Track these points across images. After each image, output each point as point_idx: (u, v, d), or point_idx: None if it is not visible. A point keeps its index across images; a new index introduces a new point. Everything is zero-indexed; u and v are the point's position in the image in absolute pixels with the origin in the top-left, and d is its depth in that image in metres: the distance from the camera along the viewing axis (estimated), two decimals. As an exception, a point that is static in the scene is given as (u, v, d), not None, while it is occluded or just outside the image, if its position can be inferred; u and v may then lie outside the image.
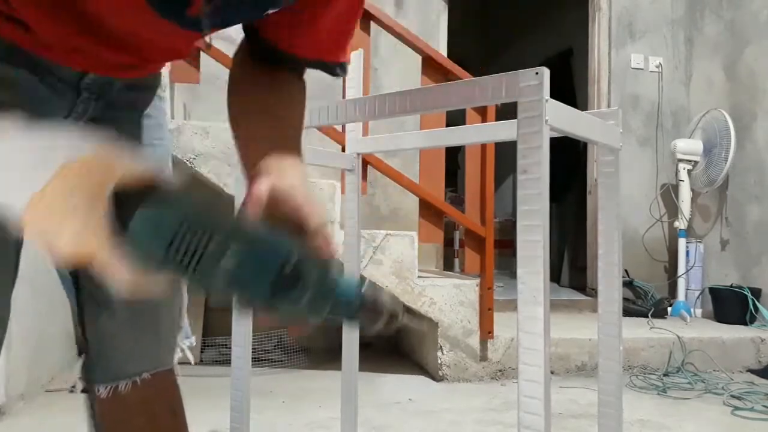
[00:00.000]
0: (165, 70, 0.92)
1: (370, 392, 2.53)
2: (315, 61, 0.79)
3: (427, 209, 2.75)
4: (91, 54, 0.70)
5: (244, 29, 0.79)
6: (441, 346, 2.75)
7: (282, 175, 0.62)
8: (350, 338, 1.46)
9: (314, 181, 2.69)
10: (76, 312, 0.89)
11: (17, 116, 0.51)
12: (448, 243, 4.68)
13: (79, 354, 0.97)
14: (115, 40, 0.70)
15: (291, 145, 0.70)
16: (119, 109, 0.81)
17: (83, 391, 0.93)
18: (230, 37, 0.77)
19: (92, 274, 0.72)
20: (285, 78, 0.79)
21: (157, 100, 0.87)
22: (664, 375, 2.84)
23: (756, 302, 3.40)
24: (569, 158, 4.95)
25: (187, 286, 0.55)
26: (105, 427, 0.92)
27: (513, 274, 4.28)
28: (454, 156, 5.51)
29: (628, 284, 3.93)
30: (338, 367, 1.50)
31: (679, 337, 3.00)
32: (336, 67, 0.81)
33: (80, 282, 0.87)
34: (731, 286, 3.57)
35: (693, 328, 3.28)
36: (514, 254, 5.82)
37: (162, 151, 0.89)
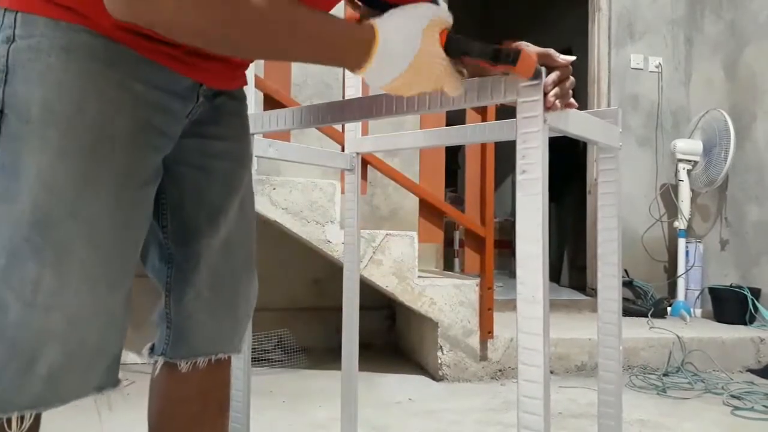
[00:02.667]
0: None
1: (370, 392, 2.53)
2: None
3: (427, 209, 2.75)
4: (218, 62, 0.89)
5: None
6: (441, 346, 2.75)
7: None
8: (350, 338, 1.47)
9: (314, 181, 2.69)
10: (164, 289, 0.98)
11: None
12: (448, 243, 4.68)
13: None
14: None
15: None
16: (223, 113, 0.96)
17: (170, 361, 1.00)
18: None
19: (186, 254, 0.94)
20: None
21: (243, 106, 1.03)
22: (664, 375, 2.84)
23: (755, 302, 3.40)
24: (569, 158, 4.95)
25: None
26: (162, 408, 1.01)
27: (512, 274, 4.28)
28: (454, 156, 5.51)
29: (628, 284, 3.93)
30: (338, 367, 1.50)
31: (678, 337, 3.00)
32: None
33: (174, 261, 0.96)
34: (731, 286, 3.57)
35: (693, 328, 3.28)
36: (513, 254, 5.82)
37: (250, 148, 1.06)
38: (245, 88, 1.03)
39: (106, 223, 0.77)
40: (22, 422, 0.73)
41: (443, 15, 0.82)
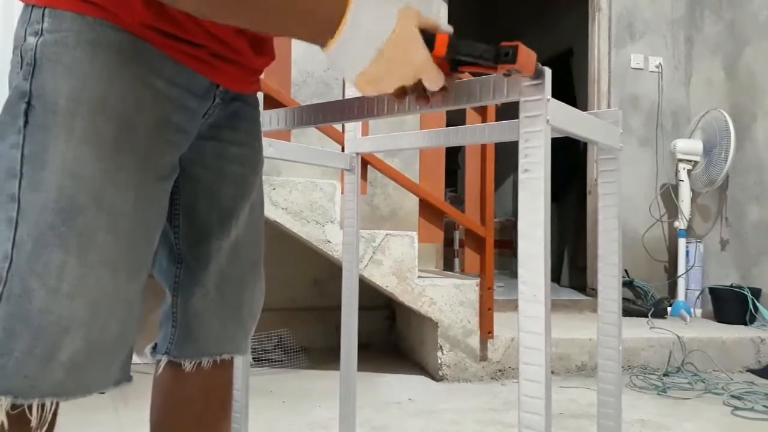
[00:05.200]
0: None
1: (369, 392, 2.53)
2: None
3: (427, 209, 2.75)
4: (236, 66, 0.91)
5: None
6: (441, 346, 2.74)
7: None
8: (349, 338, 1.46)
9: (314, 181, 2.69)
10: (171, 289, 0.99)
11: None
12: (448, 243, 4.68)
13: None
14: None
15: None
16: (240, 119, 0.98)
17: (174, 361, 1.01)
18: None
19: (197, 254, 0.96)
20: None
21: (257, 113, 1.05)
22: (664, 375, 2.84)
23: (756, 302, 3.40)
24: (569, 158, 4.95)
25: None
26: (164, 407, 1.02)
27: (513, 274, 4.27)
28: (454, 156, 5.51)
29: (628, 284, 3.93)
30: (338, 367, 1.50)
31: (679, 337, 3.00)
32: None
33: (184, 261, 0.97)
34: (731, 286, 3.57)
35: (693, 328, 3.28)
36: (514, 254, 5.82)
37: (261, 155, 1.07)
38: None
39: (127, 212, 0.79)
40: (42, 411, 0.74)
41: (426, 8, 0.81)
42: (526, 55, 0.76)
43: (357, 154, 1.48)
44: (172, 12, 0.79)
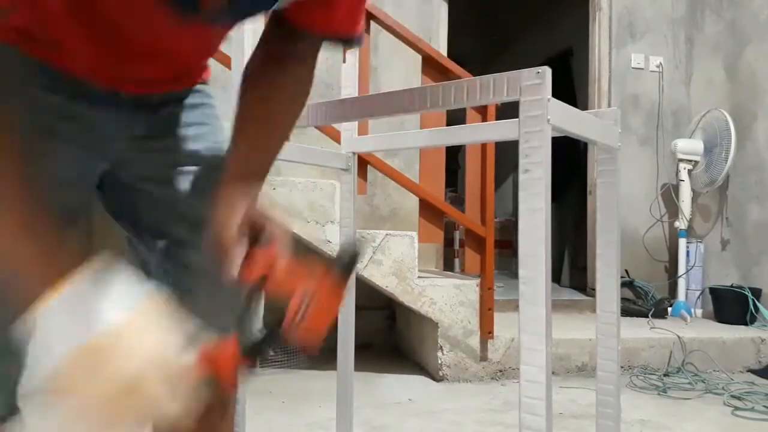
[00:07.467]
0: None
1: (369, 392, 2.53)
2: (333, 36, 0.85)
3: (427, 209, 2.74)
4: (121, 72, 0.81)
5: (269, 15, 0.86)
6: (441, 346, 2.74)
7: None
8: (346, 338, 1.46)
9: (314, 181, 2.68)
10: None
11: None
12: (448, 243, 4.67)
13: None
14: (139, 54, 0.79)
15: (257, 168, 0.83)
16: (167, 122, 0.90)
17: None
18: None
19: (178, 265, 0.92)
20: (295, 65, 0.85)
21: (207, 108, 0.96)
22: (665, 375, 2.84)
23: (756, 302, 3.39)
24: (569, 158, 4.94)
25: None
26: None
27: (513, 274, 4.23)
28: (454, 156, 5.50)
29: (629, 284, 3.93)
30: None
31: (679, 337, 3.00)
32: (353, 41, 0.86)
33: (170, 273, 0.93)
34: (731, 286, 3.56)
35: (693, 328, 3.28)
36: (514, 254, 5.79)
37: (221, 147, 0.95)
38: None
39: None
40: None
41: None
42: (309, 334, 0.70)
43: (354, 153, 1.47)
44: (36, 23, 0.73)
